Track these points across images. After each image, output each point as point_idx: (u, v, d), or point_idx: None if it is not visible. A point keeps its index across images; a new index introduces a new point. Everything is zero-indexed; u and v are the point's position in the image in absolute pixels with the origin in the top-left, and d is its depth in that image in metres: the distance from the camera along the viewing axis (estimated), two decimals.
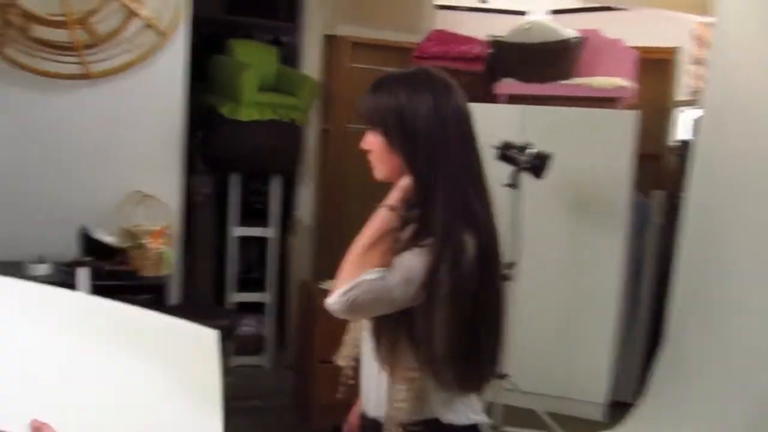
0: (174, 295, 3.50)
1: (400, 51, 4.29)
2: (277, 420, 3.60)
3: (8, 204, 3.21)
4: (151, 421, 1.11)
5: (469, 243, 1.32)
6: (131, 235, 3.22)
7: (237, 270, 4.18)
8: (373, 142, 1.41)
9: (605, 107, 3.65)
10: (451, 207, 1.33)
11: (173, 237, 3.40)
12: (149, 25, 3.25)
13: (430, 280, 1.29)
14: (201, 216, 4.28)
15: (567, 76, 3.72)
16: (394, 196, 1.37)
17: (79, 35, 3.11)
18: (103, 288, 3.03)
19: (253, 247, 4.34)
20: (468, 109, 1.41)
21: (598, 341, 3.65)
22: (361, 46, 4.32)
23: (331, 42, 4.32)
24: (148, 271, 3.14)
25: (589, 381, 3.68)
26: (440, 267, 1.29)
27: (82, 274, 2.92)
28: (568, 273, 3.68)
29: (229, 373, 4.14)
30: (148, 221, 3.38)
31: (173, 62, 3.40)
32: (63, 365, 1.11)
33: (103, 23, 3.19)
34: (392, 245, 1.34)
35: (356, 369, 1.57)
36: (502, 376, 3.17)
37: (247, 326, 4.22)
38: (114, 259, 3.17)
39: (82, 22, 3.11)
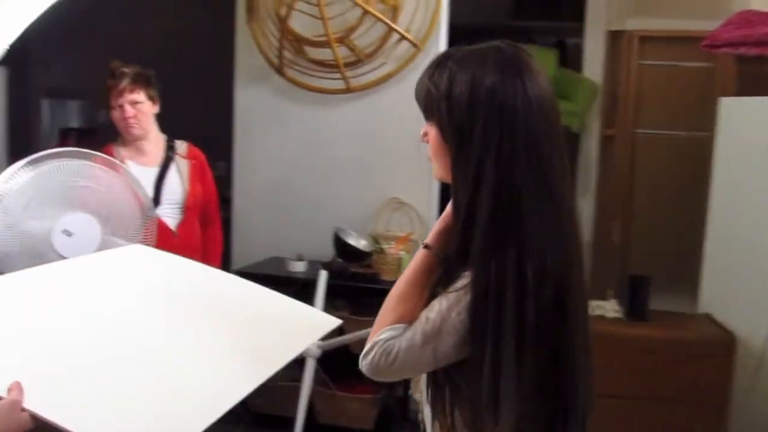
0: None
1: (699, 42, 3.64)
2: None
3: (278, 207, 3.63)
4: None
5: (527, 275, 1.03)
6: (378, 239, 3.36)
7: None
8: (429, 133, 1.16)
9: None
10: (499, 226, 1.04)
11: (418, 244, 3.43)
12: (404, 38, 3.34)
13: (470, 328, 1.05)
14: None
15: None
16: (432, 231, 1.14)
17: (340, 52, 3.35)
18: (345, 288, 3.23)
19: None
20: (550, 99, 1.09)
21: None
22: (651, 40, 3.81)
23: (616, 38, 3.91)
24: (387, 276, 3.24)
25: None
26: (480, 310, 1.04)
27: (323, 275, 3.14)
28: None
29: None
30: (401, 228, 3.49)
31: None
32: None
33: (362, 38, 3.38)
34: (426, 293, 1.12)
35: None
36: None
37: None
38: (361, 262, 3.34)
39: (342, 39, 3.34)
